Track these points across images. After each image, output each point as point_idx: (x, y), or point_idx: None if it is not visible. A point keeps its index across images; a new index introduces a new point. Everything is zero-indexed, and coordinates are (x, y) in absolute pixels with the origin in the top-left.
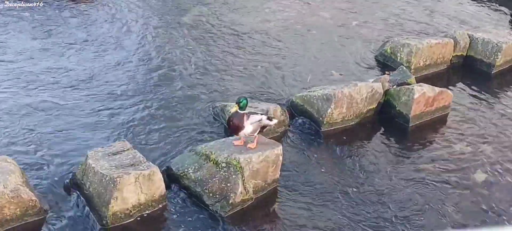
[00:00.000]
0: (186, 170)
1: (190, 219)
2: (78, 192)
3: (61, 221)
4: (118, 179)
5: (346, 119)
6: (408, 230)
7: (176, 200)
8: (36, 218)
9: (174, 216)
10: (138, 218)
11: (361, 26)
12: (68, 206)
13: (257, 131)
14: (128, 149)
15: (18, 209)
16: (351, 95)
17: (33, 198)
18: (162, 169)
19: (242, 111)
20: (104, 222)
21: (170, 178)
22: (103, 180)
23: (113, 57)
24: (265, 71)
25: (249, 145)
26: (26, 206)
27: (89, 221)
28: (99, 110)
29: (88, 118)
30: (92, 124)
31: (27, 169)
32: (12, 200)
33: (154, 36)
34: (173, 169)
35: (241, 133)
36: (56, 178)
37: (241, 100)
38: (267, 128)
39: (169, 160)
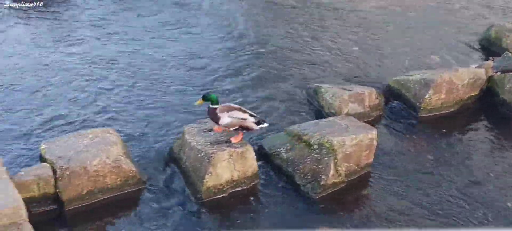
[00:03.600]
0: (278, 149)
1: (281, 198)
2: (174, 165)
3: (158, 192)
4: (213, 155)
5: (444, 105)
6: (505, 223)
7: (267, 179)
8: (135, 188)
9: (265, 194)
10: (231, 194)
11: (464, 9)
12: (165, 178)
13: (236, 127)
14: None
15: (118, 179)
16: (451, 80)
17: (133, 169)
18: (254, 147)
19: (215, 106)
20: (198, 196)
21: (262, 156)
22: (199, 155)
23: (210, 36)
24: (361, 53)
25: (232, 138)
26: (126, 176)
27: (184, 194)
28: (195, 86)
29: (185, 93)
30: (188, 100)
31: (128, 141)
32: (113, 170)
33: (250, 16)
34: (265, 148)
35: (219, 123)
36: (154, 151)
37: (205, 95)
38: (251, 130)
39: (261, 139)
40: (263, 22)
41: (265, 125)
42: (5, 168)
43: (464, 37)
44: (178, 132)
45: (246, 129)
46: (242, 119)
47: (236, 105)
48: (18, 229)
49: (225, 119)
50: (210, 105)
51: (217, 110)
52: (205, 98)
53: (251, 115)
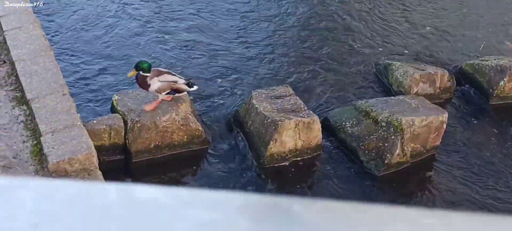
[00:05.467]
0: (343, 123)
1: (342, 171)
2: (239, 129)
3: (221, 153)
4: (279, 122)
5: None
6: None
7: (330, 151)
8: (200, 147)
9: (327, 166)
10: (293, 163)
11: None
12: (229, 140)
13: (167, 91)
14: (290, 95)
15: (185, 137)
16: None
17: (200, 128)
18: (320, 119)
19: (146, 74)
20: (261, 161)
21: (326, 128)
22: (265, 122)
23: (281, 5)
24: (435, 33)
25: (145, 106)
26: (192, 134)
27: (247, 158)
28: (265, 53)
29: (254, 59)
30: (257, 65)
31: (195, 100)
32: (181, 127)
33: None
34: (331, 120)
35: (149, 90)
36: (219, 113)
37: (139, 64)
38: (183, 93)
39: (327, 111)
40: None
41: (195, 87)
42: (78, 115)
43: None
44: (245, 96)
45: (177, 91)
46: (172, 81)
47: (165, 69)
48: (89, 175)
49: (155, 84)
50: (141, 73)
51: (147, 78)
52: (137, 67)
53: (180, 77)
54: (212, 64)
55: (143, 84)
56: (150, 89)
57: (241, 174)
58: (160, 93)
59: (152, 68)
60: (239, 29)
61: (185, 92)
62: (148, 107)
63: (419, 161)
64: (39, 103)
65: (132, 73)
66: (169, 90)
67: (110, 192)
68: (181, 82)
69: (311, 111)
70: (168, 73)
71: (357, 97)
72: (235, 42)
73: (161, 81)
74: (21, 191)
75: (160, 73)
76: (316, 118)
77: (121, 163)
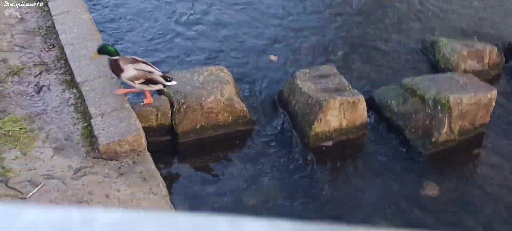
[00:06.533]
0: (389, 101)
1: (388, 150)
2: (282, 109)
3: (266, 133)
4: (324, 102)
5: None
6: None
7: (376, 130)
8: (245, 128)
9: (373, 146)
10: (337, 142)
11: None
12: (273, 120)
13: (142, 81)
14: (334, 74)
15: (230, 117)
16: None
17: (244, 108)
18: (365, 97)
19: (117, 57)
20: (305, 141)
21: (372, 107)
22: (309, 101)
23: None
24: (482, 8)
25: (145, 100)
26: (237, 115)
27: (291, 138)
28: (309, 33)
29: (298, 39)
30: (301, 45)
31: (238, 81)
32: (226, 108)
33: None
34: (376, 99)
35: (122, 76)
36: (263, 93)
37: (101, 48)
38: (157, 85)
39: (372, 90)
40: None
41: (173, 82)
42: (127, 97)
43: None
44: (289, 76)
45: (152, 82)
46: (148, 71)
47: (141, 59)
48: (138, 156)
49: (129, 71)
50: (110, 57)
51: (120, 62)
52: (101, 51)
53: (157, 69)
54: (256, 45)
55: (116, 68)
56: (122, 75)
57: (286, 154)
58: (134, 81)
59: (131, 57)
60: (282, 10)
61: (161, 86)
62: (120, 91)
63: (467, 139)
64: (89, 87)
65: (94, 56)
66: (144, 80)
67: (222, 226)
68: (157, 74)
69: (356, 91)
70: (145, 63)
71: (403, 75)
72: (278, 22)
73: (137, 69)
74: (147, 225)
75: (136, 61)
76: (361, 97)
77: (168, 143)
